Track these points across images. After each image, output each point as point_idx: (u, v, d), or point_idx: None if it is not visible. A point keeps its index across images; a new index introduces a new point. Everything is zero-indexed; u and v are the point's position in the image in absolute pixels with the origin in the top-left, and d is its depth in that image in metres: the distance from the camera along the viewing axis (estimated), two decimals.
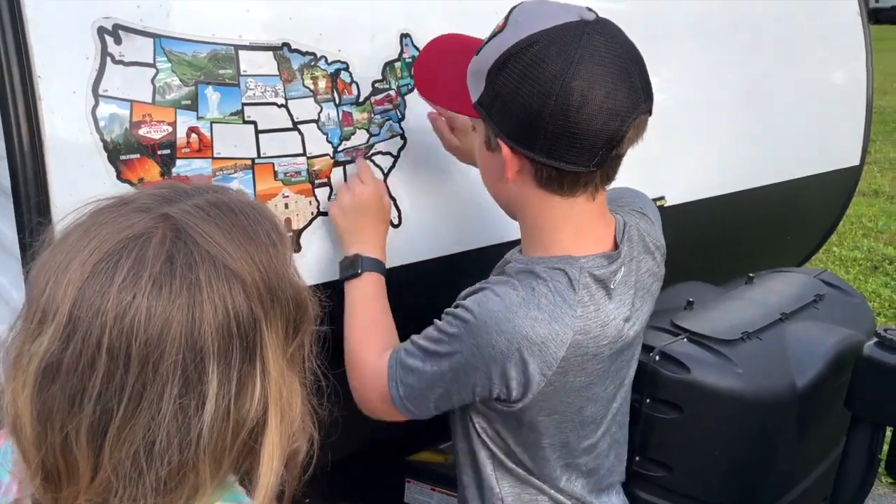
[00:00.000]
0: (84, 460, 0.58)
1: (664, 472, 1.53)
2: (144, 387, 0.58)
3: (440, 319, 1.08)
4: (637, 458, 1.50)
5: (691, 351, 1.54)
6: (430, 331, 1.08)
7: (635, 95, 0.95)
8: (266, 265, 0.65)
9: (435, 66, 1.15)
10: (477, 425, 1.13)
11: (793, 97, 2.32)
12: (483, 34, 1.41)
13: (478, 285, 1.08)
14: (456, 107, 1.08)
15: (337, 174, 1.30)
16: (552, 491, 1.18)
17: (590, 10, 0.97)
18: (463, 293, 1.09)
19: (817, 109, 2.44)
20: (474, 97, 1.00)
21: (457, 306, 1.06)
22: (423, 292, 1.48)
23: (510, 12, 1.00)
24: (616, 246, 1.08)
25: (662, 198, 1.79)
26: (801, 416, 1.59)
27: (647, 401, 1.49)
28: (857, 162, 2.70)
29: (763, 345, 1.61)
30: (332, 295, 1.33)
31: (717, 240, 2.16)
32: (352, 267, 1.20)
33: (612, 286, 1.05)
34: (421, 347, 1.07)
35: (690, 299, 1.73)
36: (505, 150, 0.98)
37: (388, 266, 1.41)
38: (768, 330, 1.66)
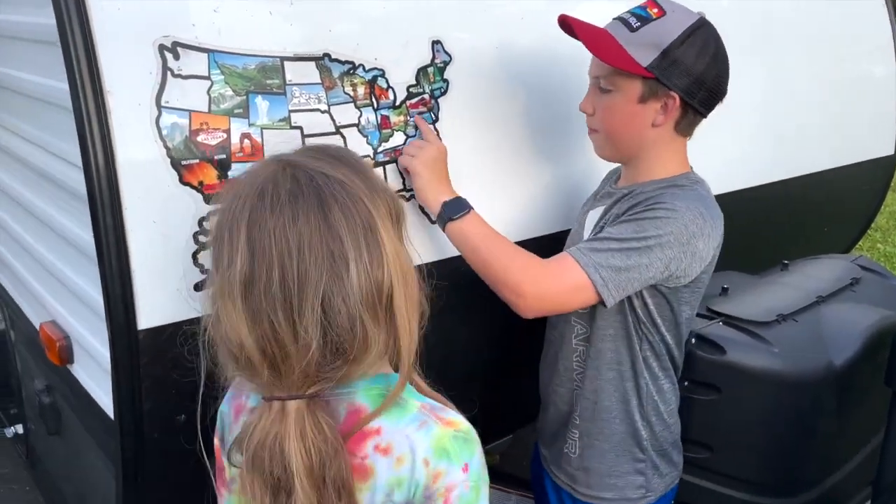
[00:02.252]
0: (287, 333, 0.80)
1: (705, 453, 1.57)
2: (307, 266, 0.80)
3: (615, 225, 1.30)
4: None
5: (727, 333, 1.58)
6: (616, 230, 1.28)
7: None
8: (361, 173, 0.87)
9: (589, 36, 1.33)
10: (639, 311, 1.34)
11: (824, 89, 2.34)
12: (509, 37, 1.51)
13: (648, 195, 1.31)
14: (621, 65, 1.29)
15: (377, 174, 1.38)
16: (675, 380, 1.44)
17: None
18: (644, 203, 1.29)
19: (848, 101, 2.46)
20: (644, 62, 1.28)
21: (648, 207, 1.28)
22: (454, 288, 1.55)
23: (657, 4, 1.30)
24: None
25: None
26: (841, 395, 1.61)
27: (685, 383, 1.53)
28: (891, 151, 2.70)
29: (799, 326, 1.64)
30: None
31: (752, 232, 2.18)
32: (461, 207, 1.35)
33: None
34: (616, 239, 1.27)
35: (725, 286, 1.77)
36: (677, 100, 1.30)
37: (420, 262, 1.48)
38: (804, 312, 1.69)
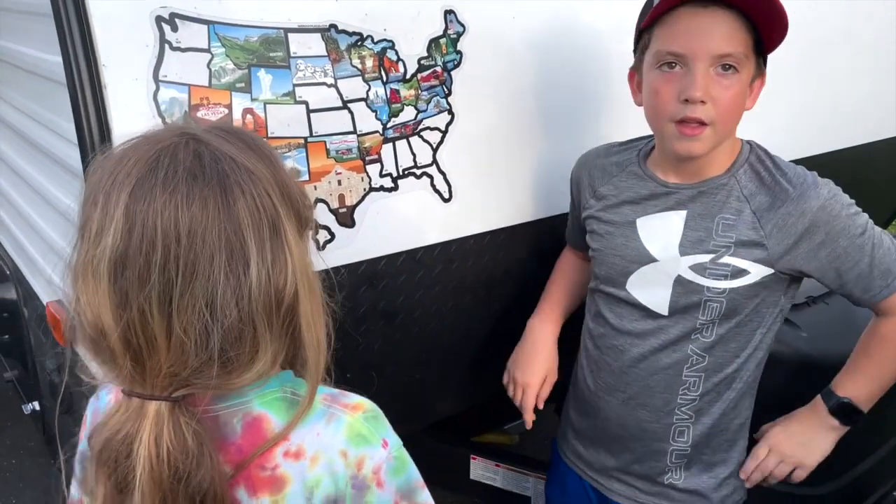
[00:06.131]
0: (159, 327, 0.71)
1: None
2: (196, 256, 0.70)
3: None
4: None
5: None
6: (851, 226, 1.19)
7: None
8: (272, 166, 0.77)
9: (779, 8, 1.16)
10: (779, 310, 1.28)
11: (856, 62, 2.23)
12: (526, 7, 1.44)
13: (796, 171, 1.21)
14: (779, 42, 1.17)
15: (387, 150, 1.33)
16: None
17: None
18: (786, 195, 1.18)
19: (882, 74, 2.34)
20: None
21: (807, 191, 1.18)
22: (472, 266, 1.50)
23: None
24: None
25: None
26: None
27: None
28: None
29: (830, 309, 1.57)
30: (388, 266, 1.38)
31: None
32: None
33: None
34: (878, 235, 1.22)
35: None
36: (765, 79, 1.21)
37: (439, 240, 1.44)
38: (835, 294, 1.61)
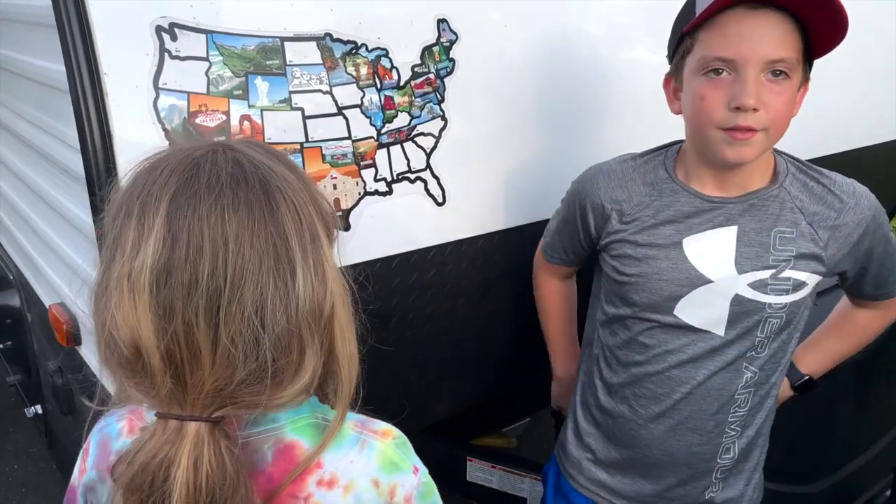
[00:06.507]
0: (205, 339, 0.67)
1: None
2: (245, 262, 0.67)
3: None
4: None
5: None
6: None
7: None
8: (302, 178, 0.77)
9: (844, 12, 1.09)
10: (808, 311, 1.29)
11: (851, 66, 2.26)
12: (517, 15, 1.47)
13: (840, 178, 1.21)
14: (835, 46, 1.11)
15: (381, 155, 1.37)
16: None
17: None
18: (840, 214, 1.18)
19: (879, 78, 2.37)
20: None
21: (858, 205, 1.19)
22: (466, 269, 1.53)
23: None
24: None
25: None
26: (861, 380, 1.57)
27: None
28: None
29: (818, 311, 1.59)
30: (383, 269, 1.41)
31: None
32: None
33: None
34: None
35: None
36: (808, 85, 1.15)
37: (433, 243, 1.47)
38: (824, 295, 1.63)
